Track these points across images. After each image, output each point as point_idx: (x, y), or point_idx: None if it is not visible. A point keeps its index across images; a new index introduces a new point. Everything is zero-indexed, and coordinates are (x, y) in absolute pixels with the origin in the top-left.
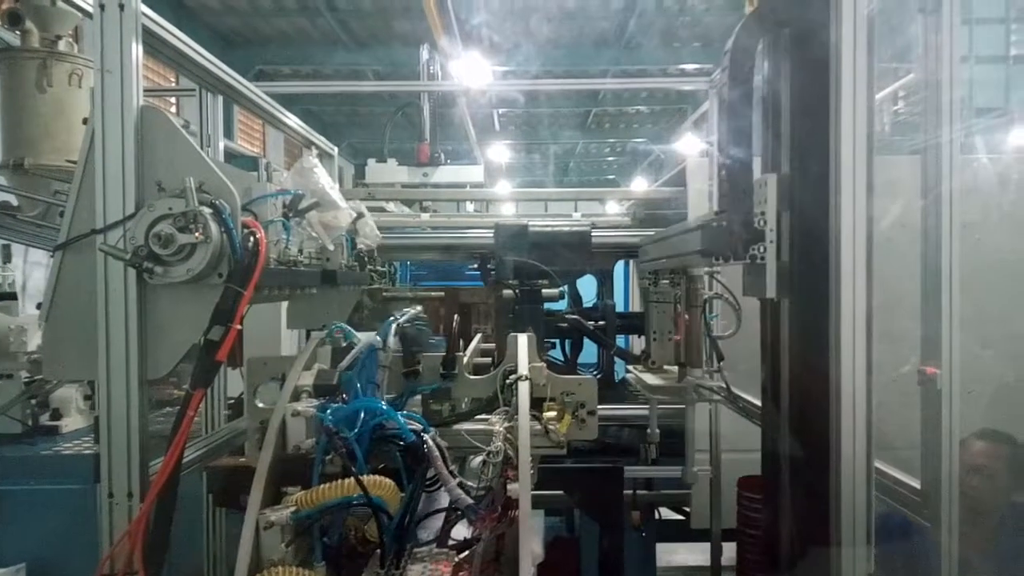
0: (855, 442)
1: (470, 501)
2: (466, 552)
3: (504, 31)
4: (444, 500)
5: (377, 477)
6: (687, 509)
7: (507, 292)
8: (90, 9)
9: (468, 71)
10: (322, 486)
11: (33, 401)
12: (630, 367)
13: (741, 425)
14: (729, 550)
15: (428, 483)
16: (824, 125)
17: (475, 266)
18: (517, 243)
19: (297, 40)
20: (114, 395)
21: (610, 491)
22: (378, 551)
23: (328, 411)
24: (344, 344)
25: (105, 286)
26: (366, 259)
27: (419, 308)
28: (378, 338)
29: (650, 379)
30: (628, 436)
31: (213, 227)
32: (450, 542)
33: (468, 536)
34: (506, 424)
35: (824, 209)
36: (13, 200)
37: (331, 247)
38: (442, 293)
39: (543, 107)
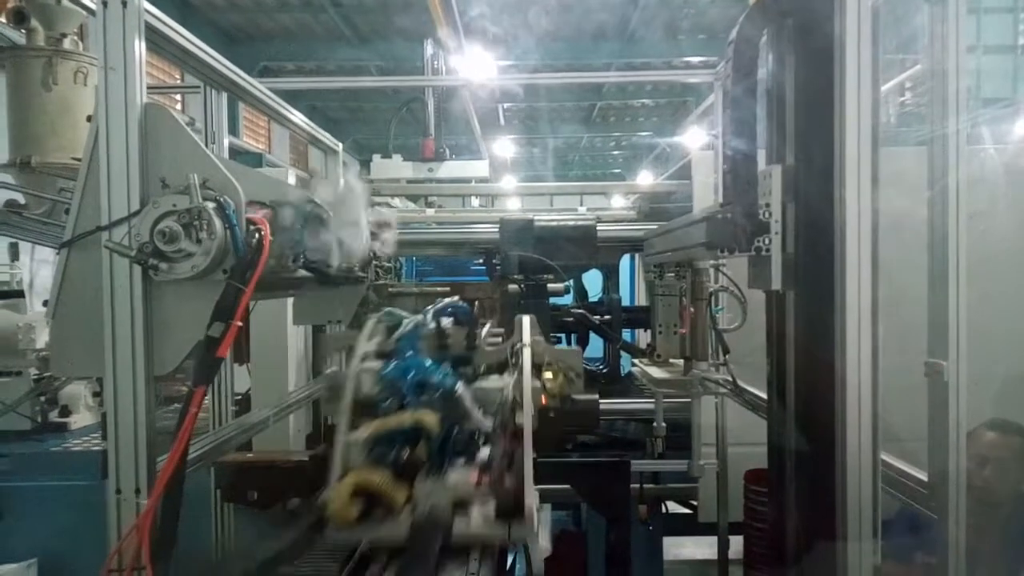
0: (861, 434)
1: (490, 426)
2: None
3: (506, 25)
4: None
5: (424, 411)
6: (694, 502)
7: (512, 287)
8: (93, 6)
9: (472, 65)
10: (385, 419)
11: (42, 398)
12: (636, 361)
13: (747, 418)
14: (736, 543)
15: (459, 418)
16: (829, 116)
17: (480, 261)
18: (522, 238)
19: (300, 36)
20: (121, 391)
21: (617, 485)
22: (425, 465)
23: (388, 368)
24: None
25: (111, 283)
26: (371, 256)
27: (457, 297)
28: (421, 317)
29: (656, 373)
30: (634, 430)
31: (217, 223)
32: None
33: (488, 455)
34: (513, 380)
35: (829, 200)
36: (20, 198)
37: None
38: (448, 288)
39: (548, 101)
